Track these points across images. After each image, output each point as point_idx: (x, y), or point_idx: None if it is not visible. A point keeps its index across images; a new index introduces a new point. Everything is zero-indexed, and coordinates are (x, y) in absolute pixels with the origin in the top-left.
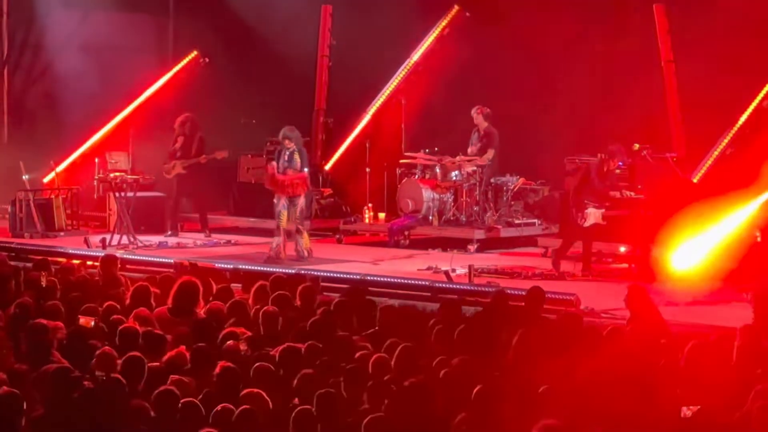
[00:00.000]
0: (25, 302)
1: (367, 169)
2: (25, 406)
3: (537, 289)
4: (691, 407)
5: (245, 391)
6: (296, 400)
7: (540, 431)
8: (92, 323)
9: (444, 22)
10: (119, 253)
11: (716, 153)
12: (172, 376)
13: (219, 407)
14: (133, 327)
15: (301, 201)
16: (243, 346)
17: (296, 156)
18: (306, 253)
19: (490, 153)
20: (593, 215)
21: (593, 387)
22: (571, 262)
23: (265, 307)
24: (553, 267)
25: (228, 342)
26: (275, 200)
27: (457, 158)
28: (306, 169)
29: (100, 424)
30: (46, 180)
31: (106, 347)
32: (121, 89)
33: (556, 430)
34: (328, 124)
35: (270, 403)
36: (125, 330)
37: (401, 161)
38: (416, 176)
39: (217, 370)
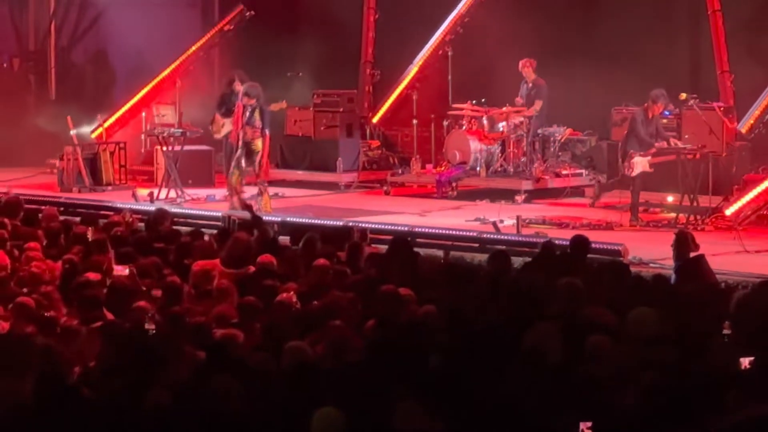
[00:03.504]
0: (73, 257)
1: (415, 121)
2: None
3: (580, 237)
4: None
5: (288, 344)
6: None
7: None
8: (127, 271)
9: None
10: (167, 207)
11: (763, 102)
12: (221, 330)
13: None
14: (177, 281)
15: (258, 157)
16: (294, 299)
17: (256, 114)
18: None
19: (538, 104)
20: (640, 164)
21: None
22: (618, 212)
23: (315, 261)
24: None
25: (281, 295)
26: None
27: (504, 109)
28: (267, 131)
29: (150, 376)
30: (93, 135)
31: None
32: (167, 44)
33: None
34: (375, 76)
35: (311, 355)
36: (170, 284)
37: (448, 113)
38: (463, 128)
39: (262, 323)
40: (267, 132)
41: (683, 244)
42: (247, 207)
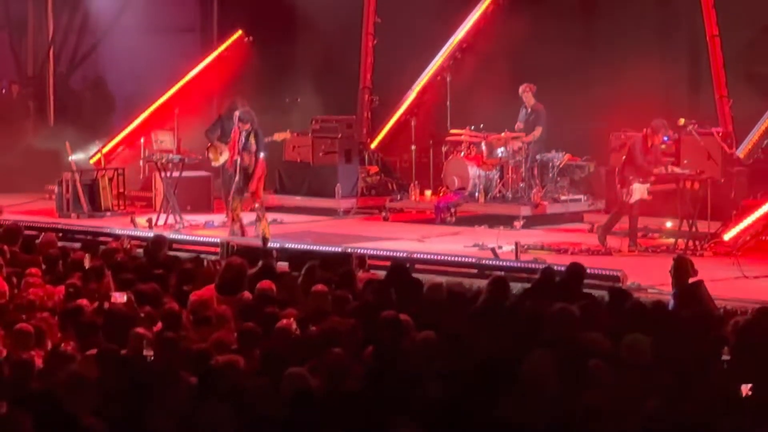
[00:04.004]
0: (76, 283)
1: (413, 147)
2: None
3: (576, 264)
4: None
5: (288, 371)
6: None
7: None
8: (125, 297)
9: None
10: (166, 233)
11: (762, 127)
12: (222, 356)
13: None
14: (176, 308)
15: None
16: (294, 326)
17: (251, 138)
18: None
19: (538, 130)
20: (638, 191)
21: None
22: (617, 238)
23: (314, 286)
24: (599, 242)
25: (282, 321)
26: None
27: (503, 135)
28: (262, 154)
29: (148, 402)
30: (92, 161)
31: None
32: (166, 69)
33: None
34: (374, 102)
35: (312, 382)
36: (169, 311)
37: (447, 138)
38: (462, 153)
39: (261, 349)
40: (261, 155)
41: (682, 269)
42: (263, 239)
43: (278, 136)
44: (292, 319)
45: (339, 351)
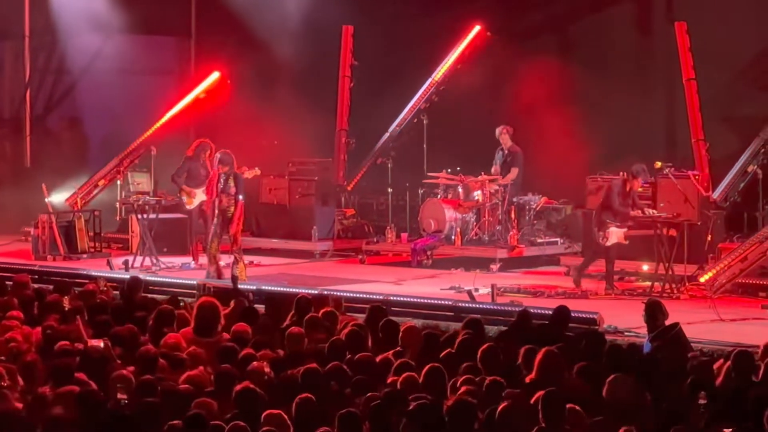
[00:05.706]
0: (54, 324)
1: (390, 190)
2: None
3: (563, 308)
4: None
5: (266, 413)
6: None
7: None
8: (102, 344)
9: (466, 42)
10: (142, 275)
11: (738, 170)
12: (197, 399)
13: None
14: (152, 350)
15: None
16: (267, 368)
17: (231, 181)
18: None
19: (514, 172)
20: (615, 234)
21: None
22: (594, 281)
23: (290, 329)
24: (574, 284)
25: (252, 364)
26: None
27: (480, 177)
28: (241, 197)
29: None
30: (68, 203)
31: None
32: (143, 111)
33: None
34: (350, 145)
35: (291, 426)
36: (144, 353)
37: (423, 181)
38: (439, 196)
39: (236, 390)
40: (240, 198)
41: (655, 312)
42: (233, 279)
43: (248, 174)
44: (264, 362)
45: (315, 394)
